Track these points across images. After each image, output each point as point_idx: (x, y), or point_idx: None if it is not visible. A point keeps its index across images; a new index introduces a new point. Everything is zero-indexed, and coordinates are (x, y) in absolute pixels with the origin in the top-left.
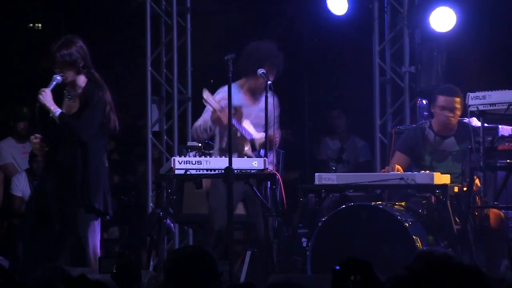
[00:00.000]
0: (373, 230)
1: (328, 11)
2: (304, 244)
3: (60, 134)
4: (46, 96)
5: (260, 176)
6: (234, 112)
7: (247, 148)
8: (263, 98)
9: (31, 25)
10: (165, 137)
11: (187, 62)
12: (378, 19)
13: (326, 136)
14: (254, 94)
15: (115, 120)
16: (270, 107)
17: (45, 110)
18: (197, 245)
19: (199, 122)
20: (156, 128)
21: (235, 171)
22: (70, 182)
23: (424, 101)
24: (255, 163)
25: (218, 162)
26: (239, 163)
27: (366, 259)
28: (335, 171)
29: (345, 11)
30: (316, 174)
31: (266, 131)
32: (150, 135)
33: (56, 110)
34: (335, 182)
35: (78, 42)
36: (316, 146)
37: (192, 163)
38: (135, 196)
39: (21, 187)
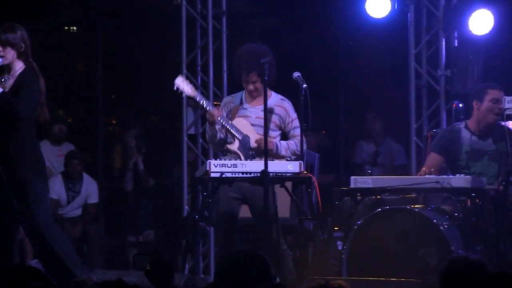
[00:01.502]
0: (409, 234)
1: (364, 14)
2: (340, 247)
3: None
4: None
5: (296, 179)
6: (230, 110)
7: (232, 146)
8: (271, 101)
9: (66, 28)
10: (201, 140)
11: (222, 65)
12: (414, 22)
13: (362, 139)
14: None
15: (45, 111)
16: (278, 110)
17: None
18: (250, 249)
19: (206, 128)
20: (192, 131)
21: (271, 174)
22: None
23: (460, 104)
24: (291, 166)
25: (254, 166)
26: (274, 166)
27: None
28: (371, 175)
29: (386, 14)
30: (352, 177)
31: (265, 131)
32: (185, 138)
33: None
34: (370, 186)
35: (22, 29)
36: (352, 149)
37: (227, 166)
38: (170, 199)
39: (57, 190)
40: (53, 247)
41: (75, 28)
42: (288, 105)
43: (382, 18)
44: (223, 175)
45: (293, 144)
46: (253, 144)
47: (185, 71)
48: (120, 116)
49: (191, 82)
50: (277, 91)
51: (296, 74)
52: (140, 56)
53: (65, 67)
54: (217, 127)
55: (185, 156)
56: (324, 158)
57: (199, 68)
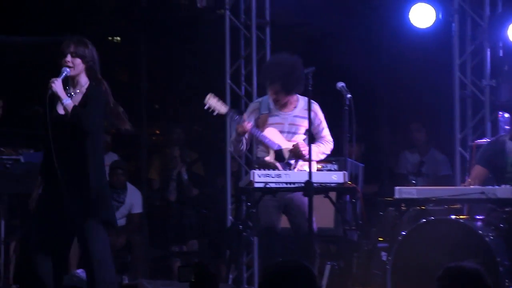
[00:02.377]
0: (454, 244)
1: (408, 24)
2: (384, 258)
3: (66, 127)
4: (58, 85)
5: (340, 189)
6: (257, 119)
7: (268, 158)
8: (300, 105)
9: (110, 38)
10: None
11: None
12: (458, 32)
13: (406, 149)
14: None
15: (121, 121)
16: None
17: (55, 99)
18: (295, 259)
19: (233, 135)
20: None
21: (315, 184)
22: (80, 182)
23: (505, 115)
24: (335, 177)
25: (298, 176)
26: (319, 177)
27: None
28: (415, 185)
29: (430, 25)
30: (396, 187)
31: (309, 141)
32: (229, 148)
33: (67, 99)
34: (415, 196)
35: (93, 46)
36: (396, 159)
37: (271, 177)
38: (214, 209)
39: None
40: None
41: (118, 38)
42: (317, 107)
43: (426, 28)
44: (267, 185)
45: (322, 146)
46: (286, 154)
47: (229, 81)
48: (163, 126)
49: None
50: (322, 101)
51: (340, 84)
52: (183, 66)
53: (109, 77)
54: (246, 136)
55: (229, 166)
56: (368, 168)
57: (242, 78)
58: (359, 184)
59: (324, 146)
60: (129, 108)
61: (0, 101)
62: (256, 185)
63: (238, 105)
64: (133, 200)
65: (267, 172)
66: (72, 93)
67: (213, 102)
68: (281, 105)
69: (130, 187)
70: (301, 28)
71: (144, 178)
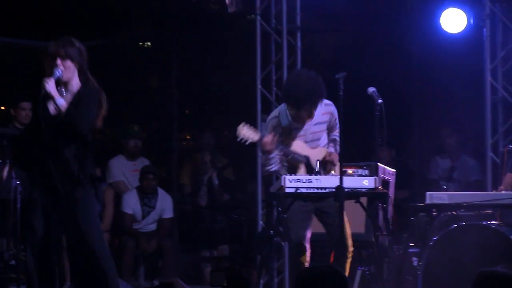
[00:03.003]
0: (485, 250)
1: (438, 29)
2: (415, 263)
3: (57, 126)
4: (51, 85)
5: (371, 195)
6: (280, 134)
7: (301, 171)
8: (318, 111)
9: (141, 43)
10: None
11: None
12: (490, 37)
13: (437, 155)
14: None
15: (101, 122)
16: (325, 117)
17: (47, 99)
18: (327, 264)
19: (262, 157)
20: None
21: (346, 189)
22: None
23: None
24: (366, 182)
25: (329, 181)
26: (349, 182)
27: None
28: (446, 190)
29: (461, 30)
30: (427, 193)
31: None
32: (260, 154)
33: (60, 99)
34: (446, 201)
35: (80, 44)
36: (427, 165)
37: (302, 182)
38: (245, 214)
39: (132, 204)
40: (103, 269)
41: (149, 43)
42: (332, 108)
43: (457, 33)
44: (298, 191)
45: (338, 146)
46: (314, 163)
47: (259, 86)
48: (194, 131)
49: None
50: (352, 106)
51: (371, 90)
52: (214, 71)
53: (140, 83)
54: (273, 155)
55: (260, 171)
56: (399, 174)
57: (273, 83)
58: (390, 189)
59: (337, 146)
60: (159, 113)
61: (29, 104)
62: (287, 190)
63: (268, 110)
64: (164, 205)
65: (298, 177)
66: (64, 93)
67: (246, 132)
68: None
69: (161, 192)
70: (332, 33)
71: (175, 183)
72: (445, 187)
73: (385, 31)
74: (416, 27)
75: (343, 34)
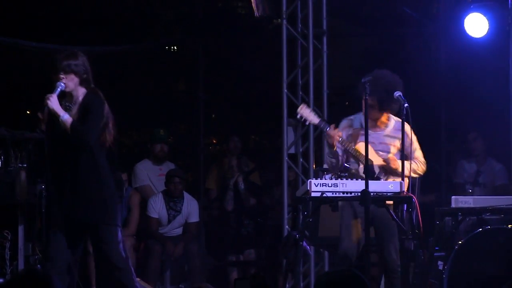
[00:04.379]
0: (510, 254)
1: (465, 33)
2: (441, 267)
3: (66, 141)
4: (54, 101)
5: (397, 199)
6: (350, 135)
7: (357, 168)
8: (391, 124)
9: (167, 47)
10: (301, 160)
11: (323, 84)
12: None
13: (463, 159)
14: (376, 121)
15: (106, 135)
16: (398, 134)
17: (52, 115)
18: (347, 269)
19: (325, 150)
20: (292, 150)
21: (372, 194)
22: (85, 193)
23: None
24: (392, 186)
25: (355, 185)
26: (375, 186)
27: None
28: (472, 194)
29: (484, 34)
30: (453, 197)
31: (402, 158)
32: (286, 158)
33: (64, 115)
34: (472, 205)
35: (84, 56)
36: (453, 169)
37: (328, 186)
38: (271, 218)
39: (158, 209)
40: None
41: (176, 47)
42: (408, 128)
43: (481, 37)
44: (324, 195)
45: (414, 164)
46: (376, 169)
47: (285, 90)
48: (220, 135)
49: (293, 102)
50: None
51: (397, 94)
52: (240, 75)
53: (166, 87)
54: (339, 151)
55: (286, 175)
56: (425, 178)
57: (299, 88)
58: (415, 193)
59: (417, 165)
60: (186, 117)
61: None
62: (313, 194)
63: (294, 115)
64: (190, 209)
65: (323, 181)
66: (68, 105)
67: (305, 112)
68: (372, 123)
69: (187, 196)
70: (358, 38)
71: (202, 187)
72: (470, 191)
73: (412, 35)
74: (443, 31)
75: (369, 38)
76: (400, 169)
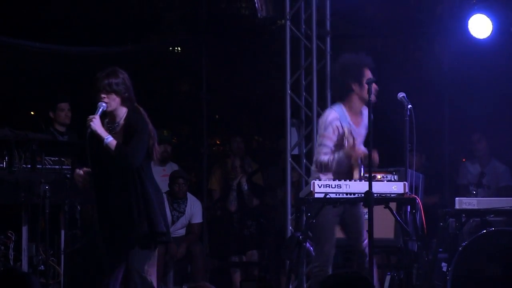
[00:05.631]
0: None
1: (468, 34)
2: (444, 269)
3: (110, 162)
4: (97, 124)
5: (400, 200)
6: (342, 134)
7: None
8: (364, 117)
9: (171, 48)
10: (304, 161)
11: (326, 85)
12: None
13: (467, 160)
14: (357, 113)
15: (158, 152)
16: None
17: (95, 137)
18: (354, 271)
19: (340, 155)
20: (296, 151)
21: (375, 195)
22: (130, 212)
23: None
24: (395, 187)
25: (358, 186)
26: (378, 187)
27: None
28: (476, 196)
29: (488, 35)
30: (457, 198)
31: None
32: (289, 158)
33: (108, 137)
34: (476, 207)
35: (124, 74)
36: (456, 170)
37: (331, 187)
38: (274, 219)
39: None
40: None
41: (179, 48)
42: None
43: (485, 38)
44: (327, 196)
45: None
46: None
47: (289, 91)
48: (224, 136)
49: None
50: (382, 111)
51: (401, 95)
52: (244, 76)
53: (170, 88)
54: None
55: (289, 176)
56: (429, 179)
57: (303, 88)
58: (419, 194)
59: None
60: (189, 118)
61: (67, 104)
62: (316, 195)
63: (298, 116)
64: (194, 210)
65: (327, 182)
66: (110, 126)
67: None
68: (355, 118)
69: (191, 197)
70: (362, 38)
71: (205, 188)
72: (474, 192)
73: (416, 36)
74: (446, 32)
75: (373, 39)
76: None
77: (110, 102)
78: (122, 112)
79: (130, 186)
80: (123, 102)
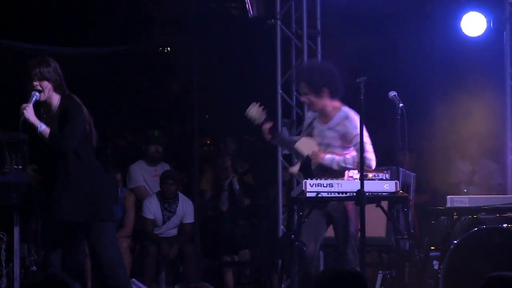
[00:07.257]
0: (506, 253)
1: (460, 33)
2: (436, 267)
3: (47, 147)
4: (30, 112)
5: (392, 198)
6: (304, 129)
7: (293, 168)
8: (336, 117)
9: (161, 48)
10: (296, 160)
11: None
12: (510, 41)
13: (458, 158)
14: (324, 114)
15: (92, 138)
16: (339, 128)
17: (29, 125)
18: (349, 267)
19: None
20: (287, 151)
21: (367, 193)
22: (75, 192)
23: None
24: (387, 186)
25: (350, 185)
26: (370, 186)
27: None
28: (467, 194)
29: (482, 33)
30: (448, 196)
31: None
32: (280, 158)
33: (41, 125)
34: (467, 205)
35: (55, 62)
36: (448, 168)
37: (323, 186)
38: (266, 219)
39: (153, 210)
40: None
41: (169, 48)
42: (348, 122)
43: (477, 36)
44: (319, 195)
45: (349, 158)
46: (312, 165)
47: (280, 91)
48: (215, 136)
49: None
50: (374, 110)
51: (392, 94)
52: (234, 76)
53: (160, 88)
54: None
55: (280, 175)
56: (420, 178)
57: (294, 88)
58: (411, 193)
59: (351, 159)
60: (180, 118)
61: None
62: (308, 194)
63: (289, 115)
64: (185, 210)
65: (319, 181)
66: (46, 117)
67: (252, 111)
68: (320, 115)
69: (182, 197)
70: (353, 38)
71: (196, 188)
72: (465, 190)
73: (407, 34)
74: (438, 31)
75: (364, 39)
76: (325, 162)
77: (43, 89)
78: (56, 99)
79: (71, 164)
80: (56, 89)
